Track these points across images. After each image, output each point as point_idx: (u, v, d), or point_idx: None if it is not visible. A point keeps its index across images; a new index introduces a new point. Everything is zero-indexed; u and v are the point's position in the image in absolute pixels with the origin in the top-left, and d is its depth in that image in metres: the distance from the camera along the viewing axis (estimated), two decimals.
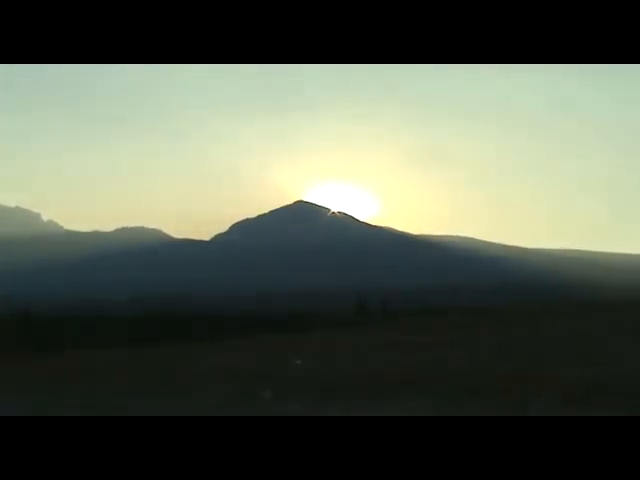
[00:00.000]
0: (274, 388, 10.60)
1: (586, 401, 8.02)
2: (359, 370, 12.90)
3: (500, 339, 18.30)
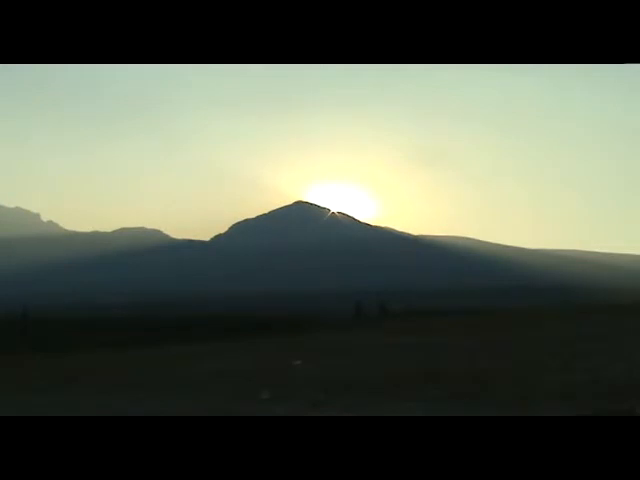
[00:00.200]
0: (274, 389, 10.61)
1: (573, 400, 8.03)
2: (359, 370, 12.91)
3: (500, 340, 18.32)
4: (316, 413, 8.46)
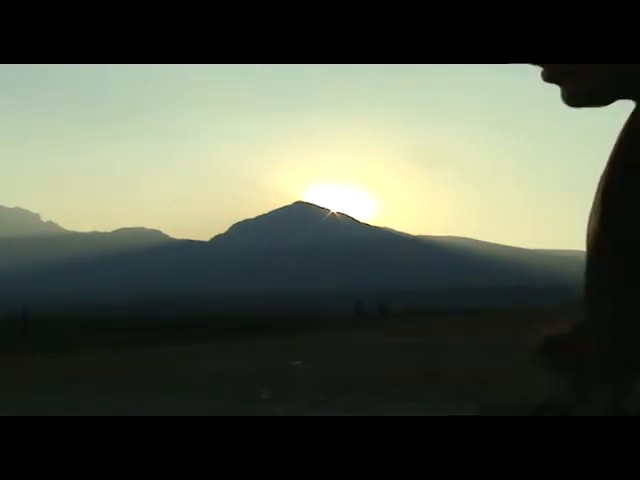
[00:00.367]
0: (274, 389, 10.62)
1: None
2: (359, 370, 12.92)
3: (500, 340, 18.34)
4: (316, 413, 8.47)
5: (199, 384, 11.92)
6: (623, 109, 0.84)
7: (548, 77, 0.93)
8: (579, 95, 0.90)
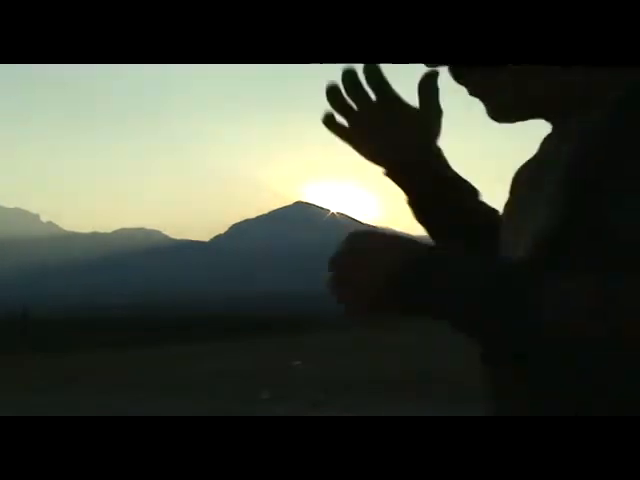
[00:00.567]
0: (274, 389, 10.61)
1: None
2: (359, 370, 12.92)
3: None
4: (316, 413, 8.47)
5: (199, 384, 11.92)
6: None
7: (471, 93, 0.96)
8: (496, 111, 0.95)
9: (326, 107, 1.08)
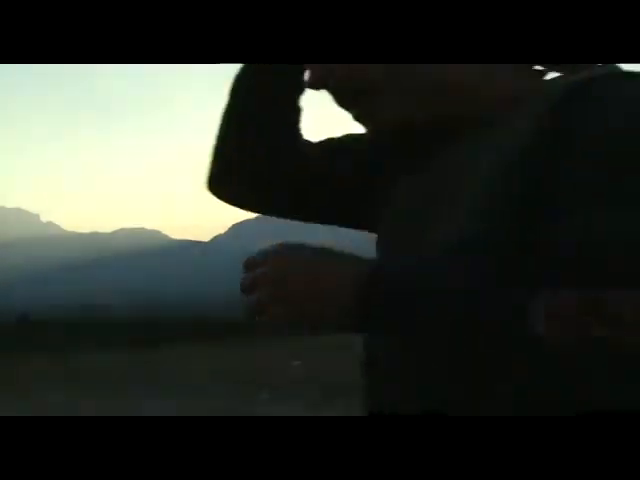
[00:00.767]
0: (274, 389, 10.61)
1: None
2: (359, 370, 12.89)
3: None
4: (316, 413, 8.46)
5: (199, 384, 11.91)
6: None
7: (336, 103, 0.93)
8: (359, 119, 0.92)
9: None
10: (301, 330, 0.83)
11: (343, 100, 0.92)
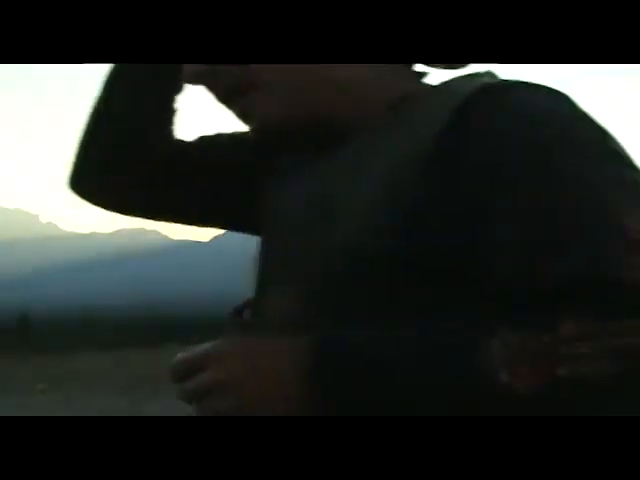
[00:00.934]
0: None
1: None
2: None
3: None
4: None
5: None
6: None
7: (218, 100, 0.89)
8: (241, 117, 0.88)
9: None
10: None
11: (225, 97, 0.88)
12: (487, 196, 0.70)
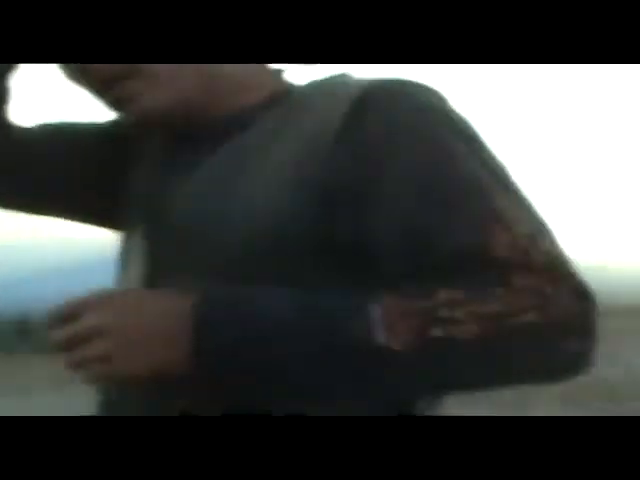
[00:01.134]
0: None
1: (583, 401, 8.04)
2: None
3: None
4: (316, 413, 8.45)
5: None
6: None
7: (85, 88, 0.88)
8: (114, 105, 0.87)
9: None
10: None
11: (100, 87, 0.87)
12: (378, 177, 0.77)
